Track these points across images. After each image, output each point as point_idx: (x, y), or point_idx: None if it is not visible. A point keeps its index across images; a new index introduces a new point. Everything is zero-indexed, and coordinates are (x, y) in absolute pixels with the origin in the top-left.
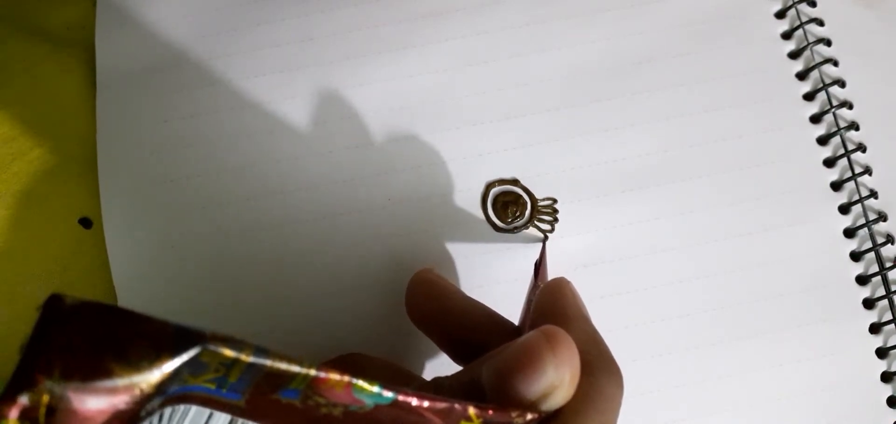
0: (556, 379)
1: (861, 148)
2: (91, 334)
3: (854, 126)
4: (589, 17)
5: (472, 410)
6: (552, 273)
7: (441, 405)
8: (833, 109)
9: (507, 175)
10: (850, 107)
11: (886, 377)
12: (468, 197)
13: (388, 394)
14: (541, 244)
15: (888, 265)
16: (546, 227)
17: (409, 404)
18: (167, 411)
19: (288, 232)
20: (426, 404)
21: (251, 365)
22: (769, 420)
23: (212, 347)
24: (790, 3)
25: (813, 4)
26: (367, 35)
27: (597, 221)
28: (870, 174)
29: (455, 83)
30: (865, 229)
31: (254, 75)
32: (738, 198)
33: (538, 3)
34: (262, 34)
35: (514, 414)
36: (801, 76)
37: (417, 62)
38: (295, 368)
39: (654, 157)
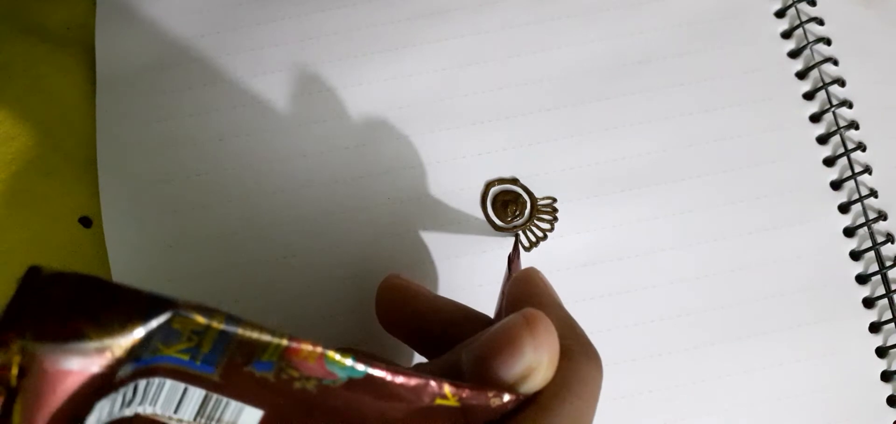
0: (535, 361)
1: (861, 147)
2: (65, 299)
3: (854, 125)
4: (588, 17)
5: (447, 388)
6: (553, 273)
7: (415, 381)
8: (833, 109)
9: (507, 174)
10: (850, 106)
11: (886, 376)
12: (468, 196)
13: (361, 367)
14: (513, 239)
15: (888, 263)
16: (545, 226)
17: (382, 379)
18: (141, 384)
19: (287, 231)
20: (400, 380)
21: (223, 333)
22: (769, 419)
23: (183, 313)
24: (790, 2)
25: (813, 3)
26: (366, 34)
27: (596, 220)
28: (869, 173)
29: (455, 83)
30: (865, 228)
31: (254, 74)
32: (737, 197)
33: (538, 3)
34: (262, 33)
35: (490, 394)
36: (801, 75)
37: (417, 62)
38: (266, 337)
39: (653, 156)
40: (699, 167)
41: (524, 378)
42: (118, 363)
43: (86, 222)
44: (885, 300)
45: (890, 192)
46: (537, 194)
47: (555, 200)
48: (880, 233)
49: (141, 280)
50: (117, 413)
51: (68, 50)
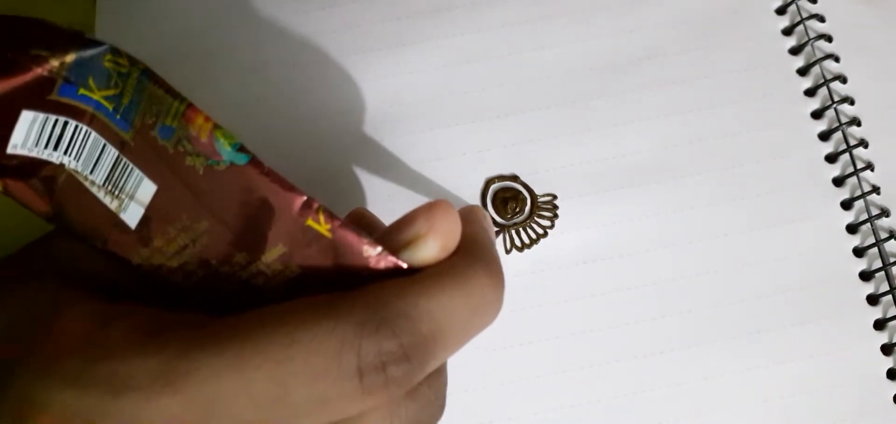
0: (424, 229)
1: (863, 144)
2: (11, 25)
3: (856, 122)
4: (589, 14)
5: (323, 215)
6: (554, 270)
7: (289, 191)
8: (834, 105)
9: (507, 172)
10: (852, 103)
11: (892, 373)
12: (468, 193)
13: (244, 154)
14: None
15: (892, 260)
16: (546, 223)
17: (258, 172)
18: (70, 127)
19: None
20: (276, 183)
21: (140, 80)
22: (773, 418)
23: (114, 52)
24: None
25: (813, 0)
26: (367, 32)
27: (597, 217)
28: (871, 170)
29: (455, 80)
30: (868, 224)
31: (253, 72)
32: (739, 194)
33: (538, 1)
34: (261, 31)
35: (365, 241)
36: (803, 72)
37: (417, 59)
38: (172, 95)
39: (654, 153)
40: (700, 164)
41: (409, 243)
42: (50, 76)
43: None
44: (890, 297)
45: (892, 188)
46: (538, 192)
47: (555, 197)
48: (883, 230)
49: None
50: (44, 149)
51: None
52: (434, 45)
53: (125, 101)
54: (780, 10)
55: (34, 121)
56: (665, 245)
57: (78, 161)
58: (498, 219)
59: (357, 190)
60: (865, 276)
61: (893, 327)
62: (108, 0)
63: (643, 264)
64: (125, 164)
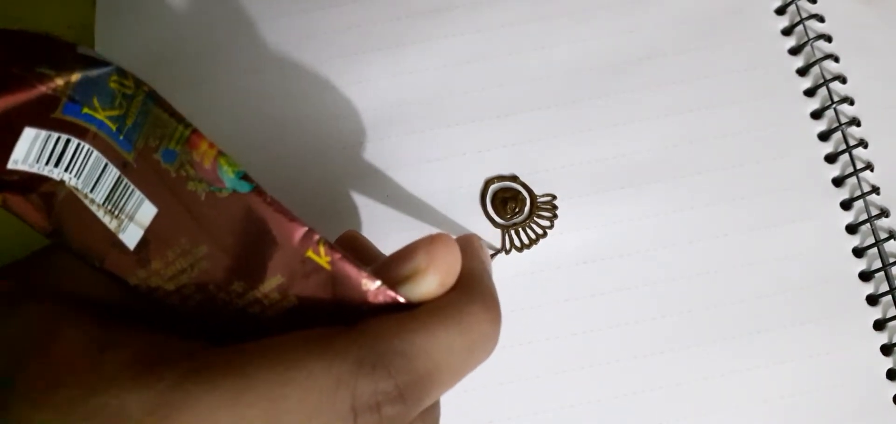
0: (424, 263)
1: (863, 144)
2: (21, 41)
3: (855, 122)
4: (589, 14)
5: (323, 247)
6: (554, 270)
7: (291, 222)
8: (834, 105)
9: (507, 172)
10: (852, 103)
11: (892, 374)
12: (467, 193)
13: (248, 183)
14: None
15: (891, 260)
16: (545, 223)
17: (264, 199)
18: (72, 145)
19: None
20: (278, 213)
21: (145, 102)
22: (772, 418)
23: (120, 72)
24: None
25: (813, 0)
26: (366, 32)
27: (596, 217)
28: (871, 170)
29: (454, 80)
30: (867, 225)
31: (253, 72)
32: (739, 194)
33: (538, 0)
34: (261, 31)
35: (364, 274)
36: (802, 72)
37: (417, 59)
38: (176, 119)
39: (654, 153)
40: (700, 164)
41: (408, 278)
42: (55, 94)
43: None
44: (889, 297)
45: (892, 189)
46: (537, 192)
47: (555, 197)
48: (883, 230)
49: None
50: (45, 165)
51: None
52: (434, 45)
53: (129, 122)
54: (780, 10)
55: (36, 137)
56: (665, 245)
57: (78, 179)
58: (497, 219)
59: (356, 191)
60: (865, 276)
61: (893, 327)
62: (108, 0)
63: (643, 264)
64: (126, 184)
